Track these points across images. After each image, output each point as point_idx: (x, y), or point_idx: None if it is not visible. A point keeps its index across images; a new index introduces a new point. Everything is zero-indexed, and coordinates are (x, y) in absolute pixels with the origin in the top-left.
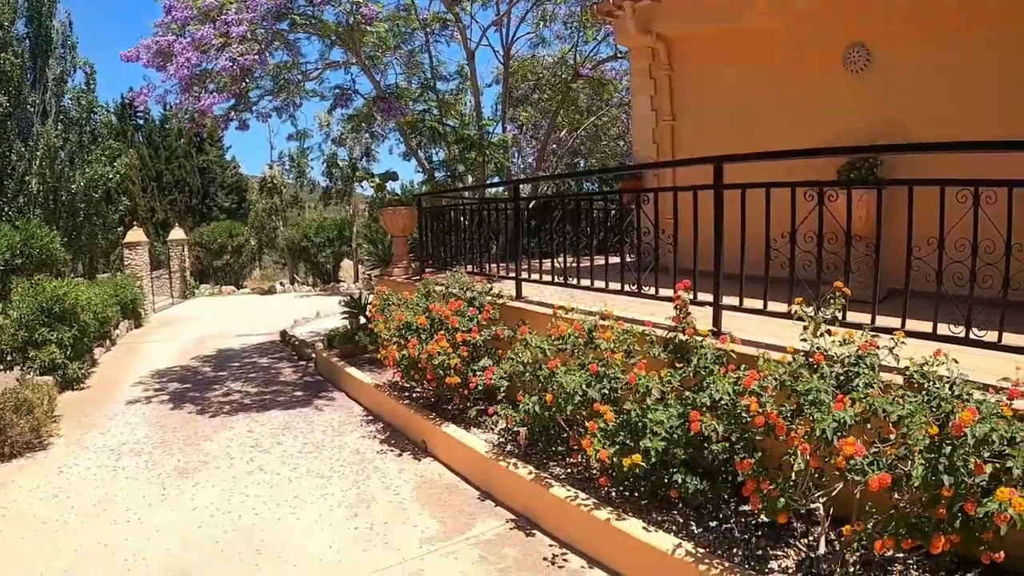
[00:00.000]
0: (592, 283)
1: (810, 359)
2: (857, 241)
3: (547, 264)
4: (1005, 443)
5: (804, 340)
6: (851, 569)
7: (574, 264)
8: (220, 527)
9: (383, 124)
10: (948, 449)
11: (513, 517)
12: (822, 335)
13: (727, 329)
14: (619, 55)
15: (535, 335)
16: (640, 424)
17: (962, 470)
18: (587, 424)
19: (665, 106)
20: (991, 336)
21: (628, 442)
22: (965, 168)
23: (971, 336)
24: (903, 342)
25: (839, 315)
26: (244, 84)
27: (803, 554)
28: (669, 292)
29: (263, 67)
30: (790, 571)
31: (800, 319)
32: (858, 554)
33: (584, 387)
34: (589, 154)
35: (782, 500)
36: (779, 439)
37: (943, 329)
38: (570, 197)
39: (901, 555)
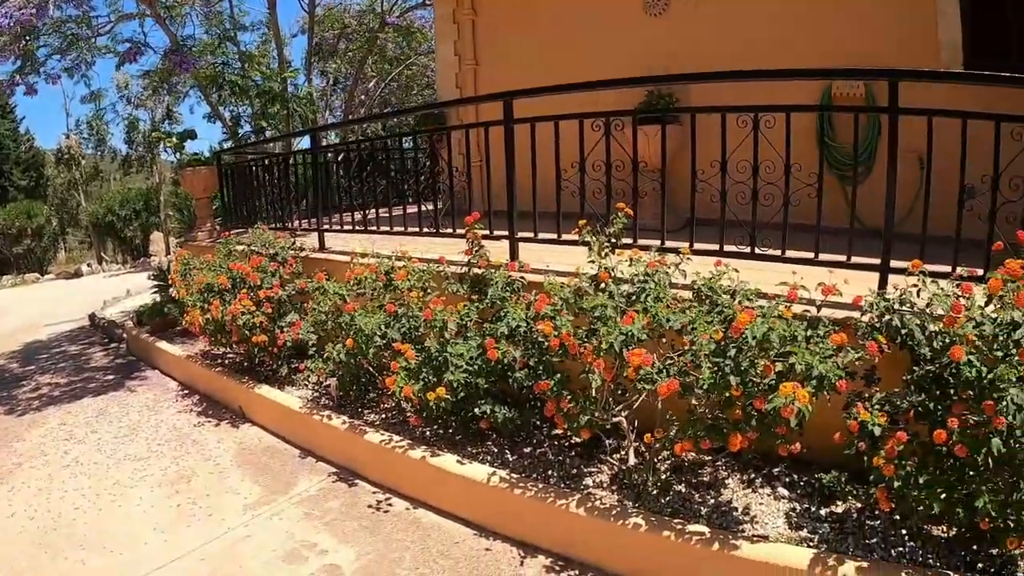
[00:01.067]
0: (392, 228)
1: (597, 279)
2: (653, 172)
3: (360, 216)
4: (787, 342)
5: (592, 263)
6: (663, 476)
7: (385, 212)
8: (41, 528)
9: (182, 80)
10: (733, 352)
11: (335, 471)
12: (607, 256)
13: (526, 261)
14: (427, 3)
15: (333, 282)
16: (441, 359)
17: (749, 371)
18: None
19: (469, 51)
20: (774, 251)
21: (432, 378)
22: (757, 98)
23: (755, 251)
24: (690, 258)
25: (621, 235)
26: (27, 42)
27: (616, 468)
28: (500, 232)
29: (45, 21)
30: (604, 484)
31: (586, 244)
32: (668, 461)
33: (383, 328)
34: (401, 105)
35: (583, 417)
36: (576, 359)
37: (730, 247)
38: (366, 141)
39: (709, 457)
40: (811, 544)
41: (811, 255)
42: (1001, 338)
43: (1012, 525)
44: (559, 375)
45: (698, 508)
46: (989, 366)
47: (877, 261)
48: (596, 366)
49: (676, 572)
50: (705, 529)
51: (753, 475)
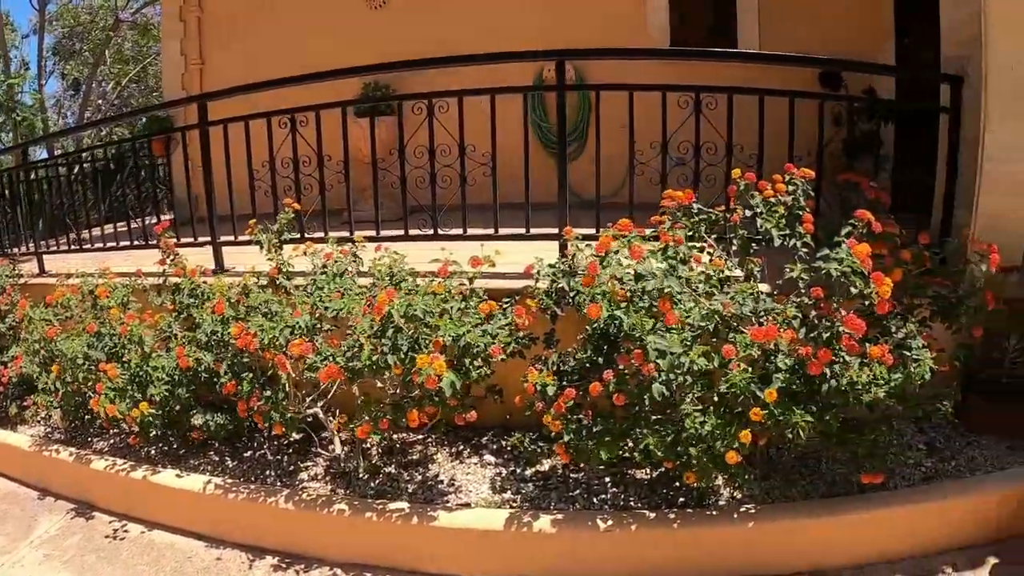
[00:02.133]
0: (118, 243)
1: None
2: (372, 165)
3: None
4: (432, 315)
5: (271, 259)
6: (373, 460)
7: (123, 226)
8: None
9: None
10: (391, 331)
11: (73, 506)
12: (277, 252)
13: (234, 264)
14: None
15: (39, 308)
16: (142, 373)
17: (411, 349)
18: None
19: (194, 50)
20: (456, 231)
21: (137, 394)
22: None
23: (438, 232)
24: (364, 246)
25: (286, 230)
26: None
27: (329, 459)
28: (205, 238)
29: None
30: (319, 477)
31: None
32: (381, 446)
33: (87, 349)
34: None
35: (275, 414)
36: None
37: (415, 230)
38: (87, 151)
39: (422, 436)
40: (513, 505)
41: (511, 231)
42: (637, 291)
43: (686, 461)
44: (249, 374)
45: (405, 487)
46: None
47: (555, 231)
48: (278, 361)
49: (384, 551)
50: (405, 505)
51: (462, 447)
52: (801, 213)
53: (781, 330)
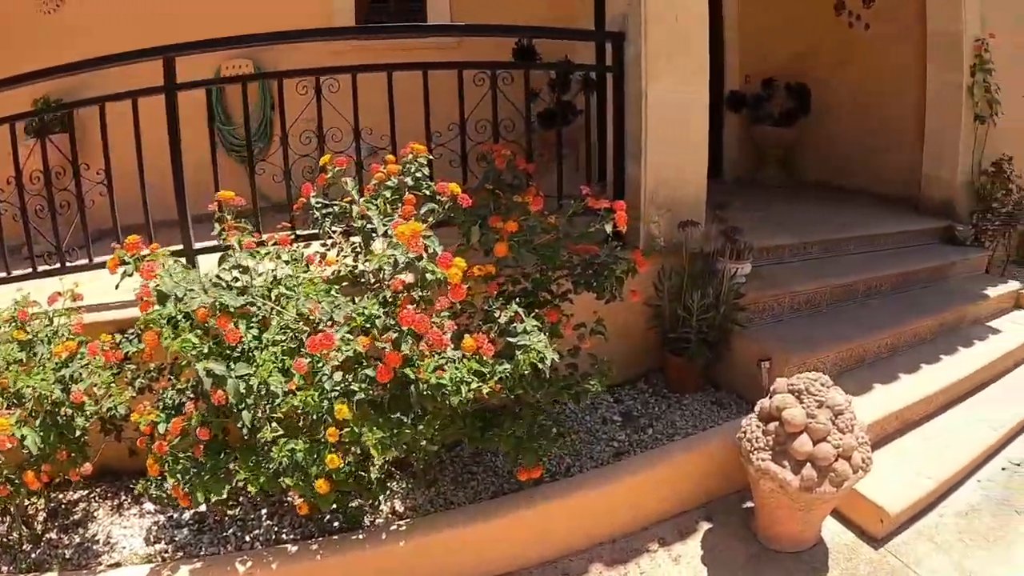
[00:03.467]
0: None
1: None
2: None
3: None
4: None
5: None
6: (37, 528)
7: None
8: None
9: None
10: None
11: None
12: None
13: None
14: None
15: None
16: None
17: None
18: None
19: None
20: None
21: None
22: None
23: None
24: None
25: None
26: None
27: None
28: None
29: None
30: None
31: None
32: (47, 508)
33: None
34: None
35: None
36: None
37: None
38: None
39: (85, 491)
40: (165, 555)
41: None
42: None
43: (297, 485)
44: None
45: (63, 552)
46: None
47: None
48: None
49: None
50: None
51: (124, 497)
52: (402, 195)
53: (347, 336)
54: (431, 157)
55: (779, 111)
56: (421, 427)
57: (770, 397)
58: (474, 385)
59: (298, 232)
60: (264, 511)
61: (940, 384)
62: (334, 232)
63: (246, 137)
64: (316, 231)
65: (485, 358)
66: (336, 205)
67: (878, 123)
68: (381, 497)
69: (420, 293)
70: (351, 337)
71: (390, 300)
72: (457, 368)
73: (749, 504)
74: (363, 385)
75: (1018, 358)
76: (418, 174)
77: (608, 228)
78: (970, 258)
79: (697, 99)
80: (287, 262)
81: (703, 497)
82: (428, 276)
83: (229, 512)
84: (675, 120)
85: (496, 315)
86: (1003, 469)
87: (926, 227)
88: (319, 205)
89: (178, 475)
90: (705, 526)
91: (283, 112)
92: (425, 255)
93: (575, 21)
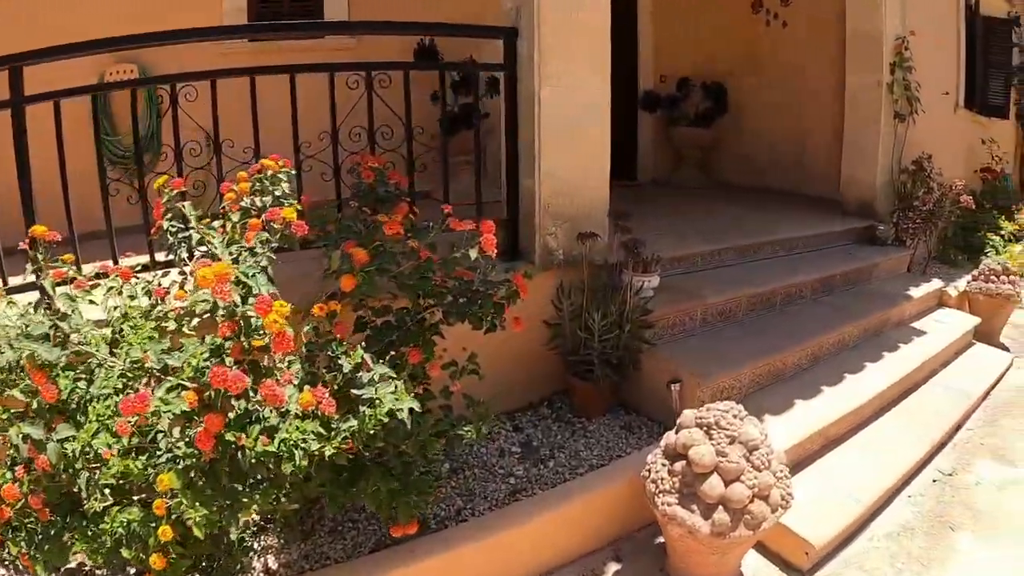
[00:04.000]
0: None
1: None
2: None
3: None
4: None
5: None
6: None
7: None
8: None
9: None
10: None
11: None
12: None
13: None
14: None
15: None
16: None
17: None
18: None
19: None
20: None
21: None
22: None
23: None
24: None
25: None
26: None
27: None
28: None
29: None
30: None
31: None
32: None
33: None
34: None
35: None
36: None
37: None
38: None
39: None
40: None
41: None
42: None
43: (137, 558)
44: None
45: None
46: None
47: None
48: None
49: None
50: None
51: None
52: (249, 219)
53: (164, 397)
54: (292, 171)
55: (695, 111)
56: (258, 496)
57: (676, 432)
58: (313, 447)
59: (157, 260)
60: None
61: (865, 395)
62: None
63: (135, 148)
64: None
65: (326, 415)
66: (194, 229)
67: (797, 122)
68: (247, 557)
69: (246, 343)
70: (168, 399)
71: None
72: (289, 431)
73: (662, 539)
74: (189, 450)
75: (944, 358)
76: (277, 191)
77: (473, 253)
78: (892, 258)
79: (597, 100)
80: (133, 297)
81: (612, 534)
82: (252, 322)
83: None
84: (572, 123)
85: (340, 362)
86: (934, 481)
87: (847, 228)
88: (174, 230)
89: (22, 543)
90: (614, 567)
91: (176, 120)
92: (239, 299)
93: (484, 19)
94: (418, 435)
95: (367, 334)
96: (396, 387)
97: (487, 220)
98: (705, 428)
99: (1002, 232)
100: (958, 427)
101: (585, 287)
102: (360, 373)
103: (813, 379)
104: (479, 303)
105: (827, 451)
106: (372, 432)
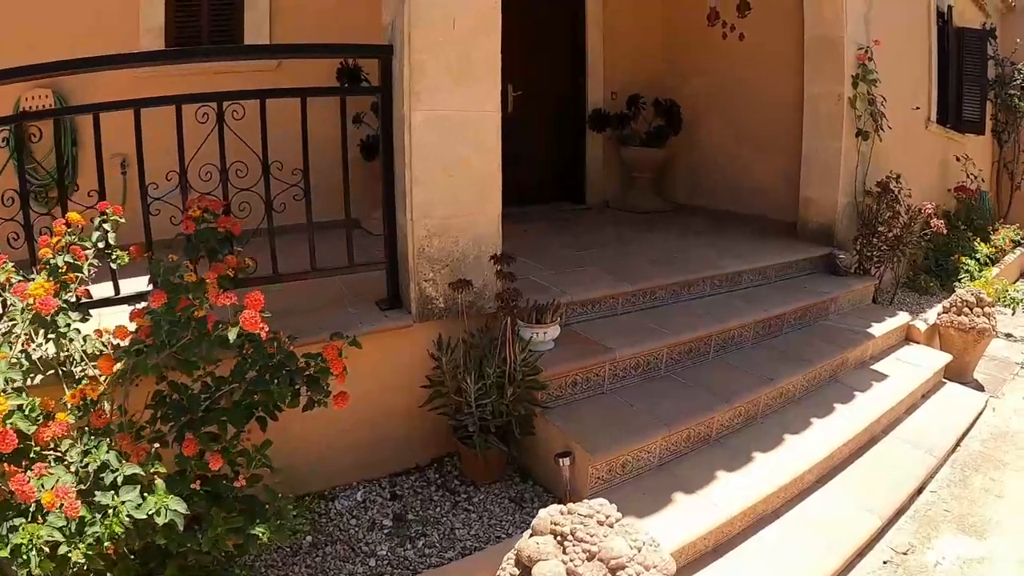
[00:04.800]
0: None
1: None
2: None
3: None
4: None
5: None
6: None
7: None
8: None
9: None
10: None
11: None
12: None
13: None
14: None
15: None
16: None
17: None
18: None
19: None
20: None
21: None
22: None
23: None
24: None
25: None
26: None
27: None
28: None
29: None
30: None
31: None
32: None
33: None
34: None
35: None
36: None
37: None
38: None
39: None
40: None
41: None
42: None
43: None
44: None
45: None
46: None
47: None
48: None
49: None
50: None
51: None
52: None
53: None
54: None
55: (647, 130)
56: None
57: (531, 535)
58: (62, 550)
59: None
60: None
61: (807, 460)
62: None
63: (59, 176)
64: None
65: (69, 518)
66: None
67: (755, 142)
68: None
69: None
70: None
71: None
72: (21, 535)
73: None
74: None
75: (910, 403)
76: (100, 243)
77: (232, 334)
78: (853, 289)
79: (484, 123)
80: None
81: None
82: None
83: None
84: (451, 152)
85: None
86: (884, 563)
87: (804, 256)
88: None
89: None
90: None
91: (99, 147)
92: None
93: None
94: (210, 530)
95: (160, 414)
96: (155, 488)
97: (257, 291)
98: (560, 538)
99: (977, 256)
100: (920, 489)
101: (463, 342)
102: (104, 473)
103: (744, 444)
104: (279, 380)
105: (758, 529)
106: (119, 535)
